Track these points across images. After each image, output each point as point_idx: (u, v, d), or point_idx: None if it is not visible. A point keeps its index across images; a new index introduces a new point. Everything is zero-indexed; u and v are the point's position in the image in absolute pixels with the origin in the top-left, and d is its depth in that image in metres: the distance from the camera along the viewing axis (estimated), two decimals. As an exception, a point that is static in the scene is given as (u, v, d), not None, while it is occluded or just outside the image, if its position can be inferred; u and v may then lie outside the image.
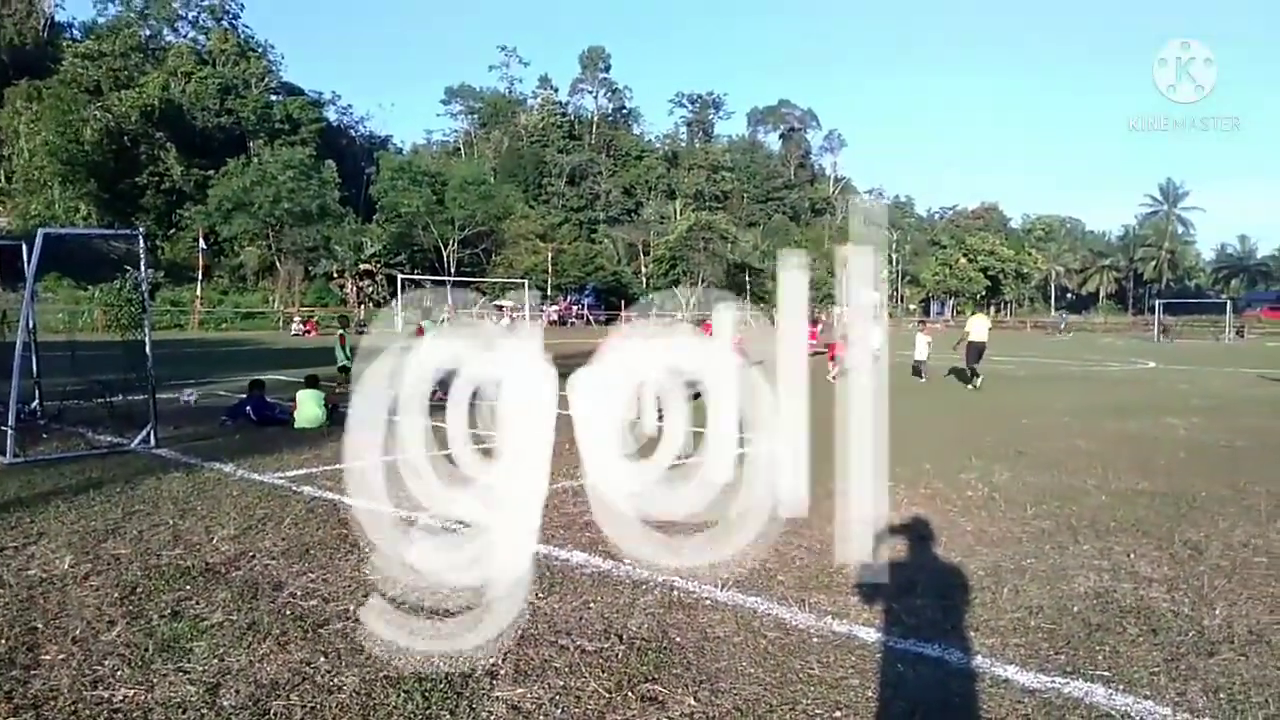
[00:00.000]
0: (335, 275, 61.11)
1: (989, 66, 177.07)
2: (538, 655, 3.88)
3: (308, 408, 10.74)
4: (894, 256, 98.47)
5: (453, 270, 65.44)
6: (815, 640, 4.08)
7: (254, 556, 5.30)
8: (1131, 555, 5.47)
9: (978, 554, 5.50)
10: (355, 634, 4.08)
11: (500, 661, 3.80)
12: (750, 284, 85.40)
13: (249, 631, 4.11)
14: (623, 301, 70.87)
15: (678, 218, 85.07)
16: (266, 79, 72.04)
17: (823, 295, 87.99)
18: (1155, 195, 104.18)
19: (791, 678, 3.67)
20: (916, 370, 19.50)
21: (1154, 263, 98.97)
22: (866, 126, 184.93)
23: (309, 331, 44.38)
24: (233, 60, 69.64)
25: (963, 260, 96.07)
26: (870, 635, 4.15)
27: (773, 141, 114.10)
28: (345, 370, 14.92)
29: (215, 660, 3.79)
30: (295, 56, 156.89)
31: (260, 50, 73.64)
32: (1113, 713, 3.35)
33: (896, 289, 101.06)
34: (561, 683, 3.60)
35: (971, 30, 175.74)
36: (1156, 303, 60.11)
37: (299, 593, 4.66)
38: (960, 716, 3.35)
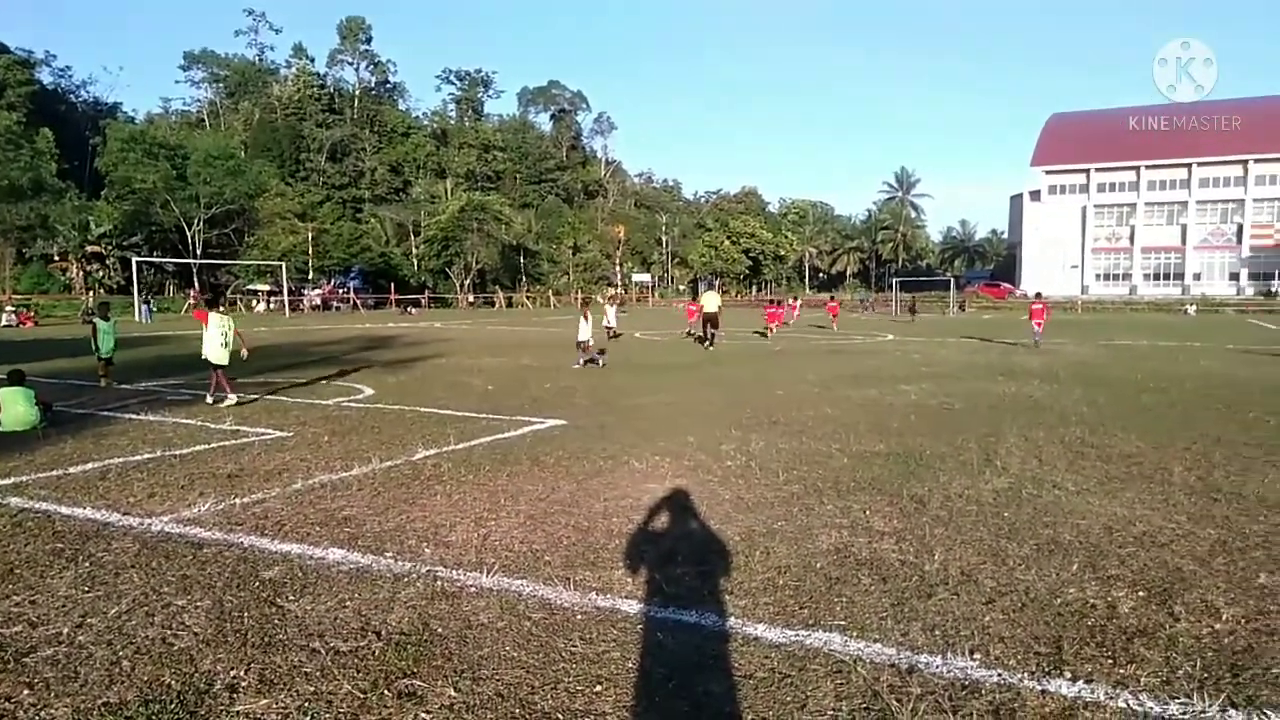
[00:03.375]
0: (56, 258, 54.24)
1: (746, 54, 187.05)
2: (285, 662, 3.62)
3: (16, 408, 9.43)
4: (664, 239, 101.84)
5: (199, 252, 60.09)
6: (579, 618, 4.12)
7: (-59, 583, 4.57)
8: (867, 512, 5.98)
9: (734, 520, 5.79)
10: (70, 660, 3.62)
11: (243, 673, 3.51)
12: (525, 265, 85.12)
13: (-70, 671, 3.54)
14: (392, 284, 68.29)
15: (449, 197, 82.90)
16: (-40, 32, 62.20)
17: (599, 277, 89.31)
18: (892, 182, 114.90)
19: (555, 657, 3.67)
20: (579, 345, 17.66)
21: (891, 244, 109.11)
22: (634, 110, 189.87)
23: (24, 323, 39.09)
24: (-86, 8, 59.48)
25: (726, 242, 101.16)
26: (633, 607, 4.24)
27: (544, 122, 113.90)
28: (108, 362, 14.21)
29: (-117, 709, 3.23)
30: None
31: (-50, -2, 63.47)
32: (847, 658, 3.63)
33: (667, 270, 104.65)
34: (311, 688, 3.39)
35: (730, 19, 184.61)
36: (894, 281, 66.43)
37: (-1, 620, 4.07)
38: (713, 676, 3.49)
